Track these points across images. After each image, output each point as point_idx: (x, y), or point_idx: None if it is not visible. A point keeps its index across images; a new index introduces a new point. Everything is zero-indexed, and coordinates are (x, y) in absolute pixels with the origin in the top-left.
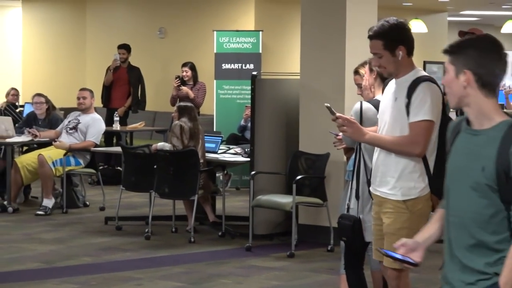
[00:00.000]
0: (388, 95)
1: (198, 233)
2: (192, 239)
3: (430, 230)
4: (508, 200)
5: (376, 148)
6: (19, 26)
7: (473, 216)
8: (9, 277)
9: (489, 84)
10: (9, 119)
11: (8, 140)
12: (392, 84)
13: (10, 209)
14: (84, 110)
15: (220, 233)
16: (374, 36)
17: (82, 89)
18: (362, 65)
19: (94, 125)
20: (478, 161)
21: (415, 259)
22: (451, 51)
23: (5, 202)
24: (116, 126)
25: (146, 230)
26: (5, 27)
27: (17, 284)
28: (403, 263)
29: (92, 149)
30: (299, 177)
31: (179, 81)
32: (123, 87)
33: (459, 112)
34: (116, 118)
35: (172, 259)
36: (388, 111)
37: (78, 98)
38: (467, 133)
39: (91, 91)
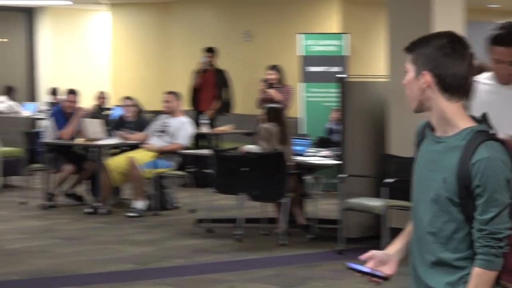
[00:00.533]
0: (499, 103)
1: (289, 236)
2: (283, 242)
3: (402, 242)
4: (469, 216)
5: None
6: (106, 29)
7: (434, 231)
8: (105, 277)
9: (451, 87)
10: (98, 122)
11: (97, 142)
12: (496, 91)
13: (102, 210)
14: (171, 113)
15: (310, 236)
16: None
17: (167, 93)
18: None
19: (183, 127)
20: (440, 172)
21: (386, 272)
22: (411, 49)
23: (97, 204)
24: (205, 129)
25: (237, 232)
26: (93, 31)
27: (112, 284)
28: (372, 277)
29: (182, 151)
30: (389, 180)
31: (266, 84)
32: (210, 90)
33: None
34: (206, 121)
35: (263, 262)
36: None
37: (164, 102)
38: (430, 139)
39: (176, 94)
